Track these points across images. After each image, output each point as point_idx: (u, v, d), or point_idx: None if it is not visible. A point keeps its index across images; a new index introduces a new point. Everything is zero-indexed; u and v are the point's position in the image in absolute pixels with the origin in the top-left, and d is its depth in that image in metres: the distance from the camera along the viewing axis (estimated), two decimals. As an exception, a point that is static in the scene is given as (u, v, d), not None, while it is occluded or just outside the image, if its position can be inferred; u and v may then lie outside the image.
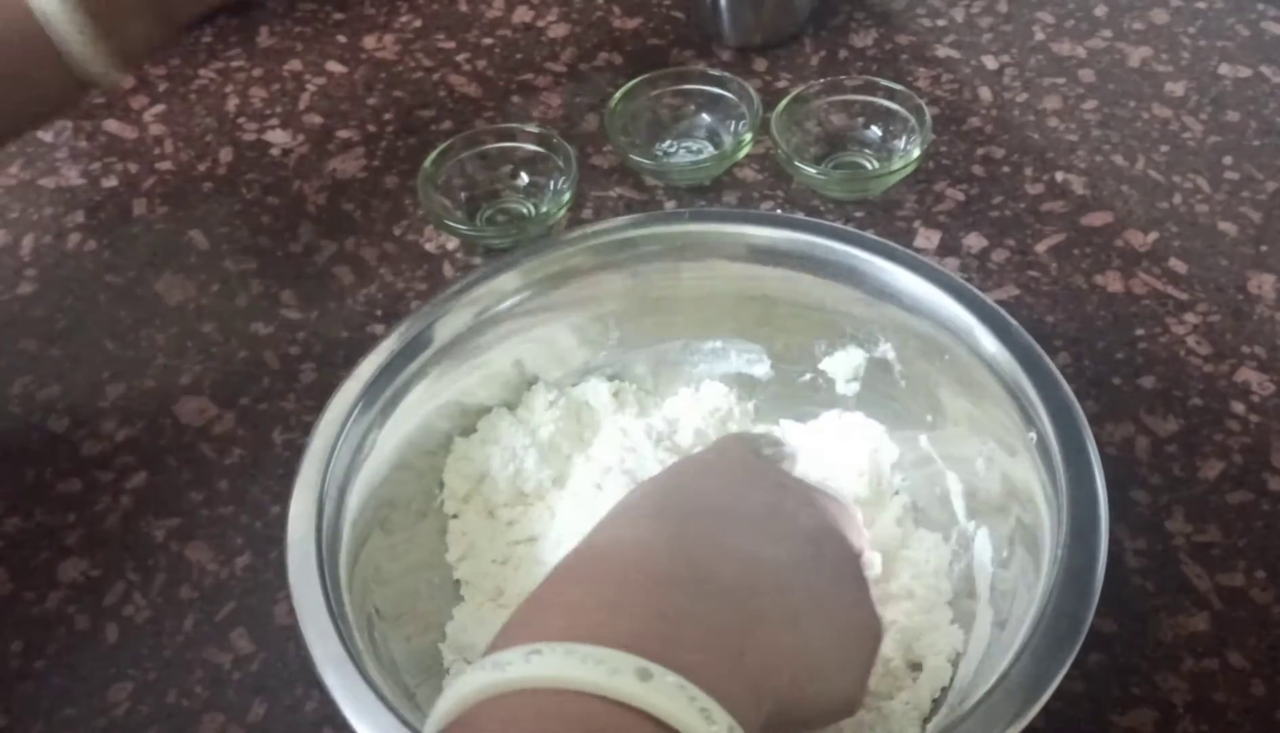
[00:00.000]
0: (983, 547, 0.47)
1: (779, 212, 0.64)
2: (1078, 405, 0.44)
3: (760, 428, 0.54)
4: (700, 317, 0.55)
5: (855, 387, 0.53)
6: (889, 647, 0.45)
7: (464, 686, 0.30)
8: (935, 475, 0.50)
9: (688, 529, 0.37)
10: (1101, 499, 0.41)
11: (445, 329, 0.51)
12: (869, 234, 0.51)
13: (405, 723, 0.38)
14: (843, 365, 0.53)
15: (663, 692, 0.29)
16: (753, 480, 0.42)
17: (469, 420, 0.53)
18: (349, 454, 0.47)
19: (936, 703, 0.44)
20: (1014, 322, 0.47)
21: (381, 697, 0.39)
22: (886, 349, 0.51)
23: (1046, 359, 0.45)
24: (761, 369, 0.55)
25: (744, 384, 0.55)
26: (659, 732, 0.29)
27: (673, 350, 0.56)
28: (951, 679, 0.45)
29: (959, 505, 0.49)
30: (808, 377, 0.54)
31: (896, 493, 0.51)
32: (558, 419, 0.53)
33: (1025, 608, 0.41)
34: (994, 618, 0.44)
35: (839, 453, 0.51)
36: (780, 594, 0.36)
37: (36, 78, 0.53)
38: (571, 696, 0.29)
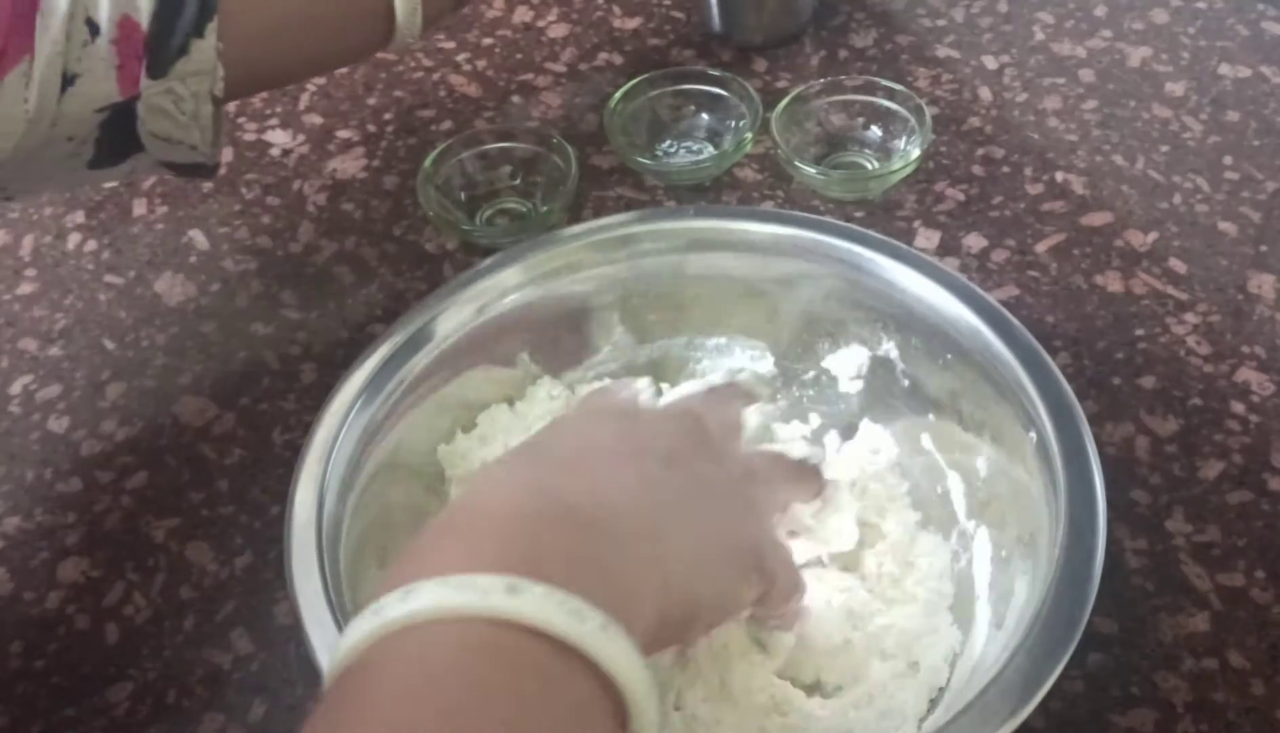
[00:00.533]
0: (982, 547, 0.47)
1: (786, 209, 0.64)
2: (1078, 406, 0.44)
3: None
4: (704, 313, 0.55)
5: (858, 385, 0.53)
6: (890, 646, 0.45)
7: (349, 635, 0.31)
8: (936, 475, 0.50)
9: (543, 468, 0.38)
10: (1100, 501, 0.41)
11: (448, 323, 0.51)
12: (873, 232, 0.51)
13: None
14: (846, 364, 0.53)
15: (533, 601, 0.30)
16: (603, 419, 0.44)
17: (471, 415, 0.53)
18: (351, 447, 0.47)
19: (933, 703, 0.44)
20: (1016, 322, 0.47)
21: None
22: (889, 348, 0.51)
23: (1048, 359, 0.45)
24: (765, 366, 0.55)
25: (748, 382, 0.55)
26: (535, 639, 0.30)
27: (676, 347, 0.56)
28: (949, 680, 0.45)
29: (959, 505, 0.49)
30: (811, 374, 0.54)
31: (903, 495, 0.51)
32: (557, 414, 0.53)
33: (1023, 609, 0.41)
34: (992, 618, 0.44)
35: (844, 455, 0.52)
36: (638, 513, 0.38)
37: (358, 27, 0.58)
38: (451, 624, 0.30)
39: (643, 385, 0.48)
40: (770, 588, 0.42)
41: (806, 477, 0.48)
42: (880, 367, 0.52)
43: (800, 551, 0.47)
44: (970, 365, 0.47)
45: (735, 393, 0.48)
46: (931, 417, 0.51)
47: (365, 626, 0.31)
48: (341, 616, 0.41)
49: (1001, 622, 0.43)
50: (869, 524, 0.49)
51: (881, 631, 0.46)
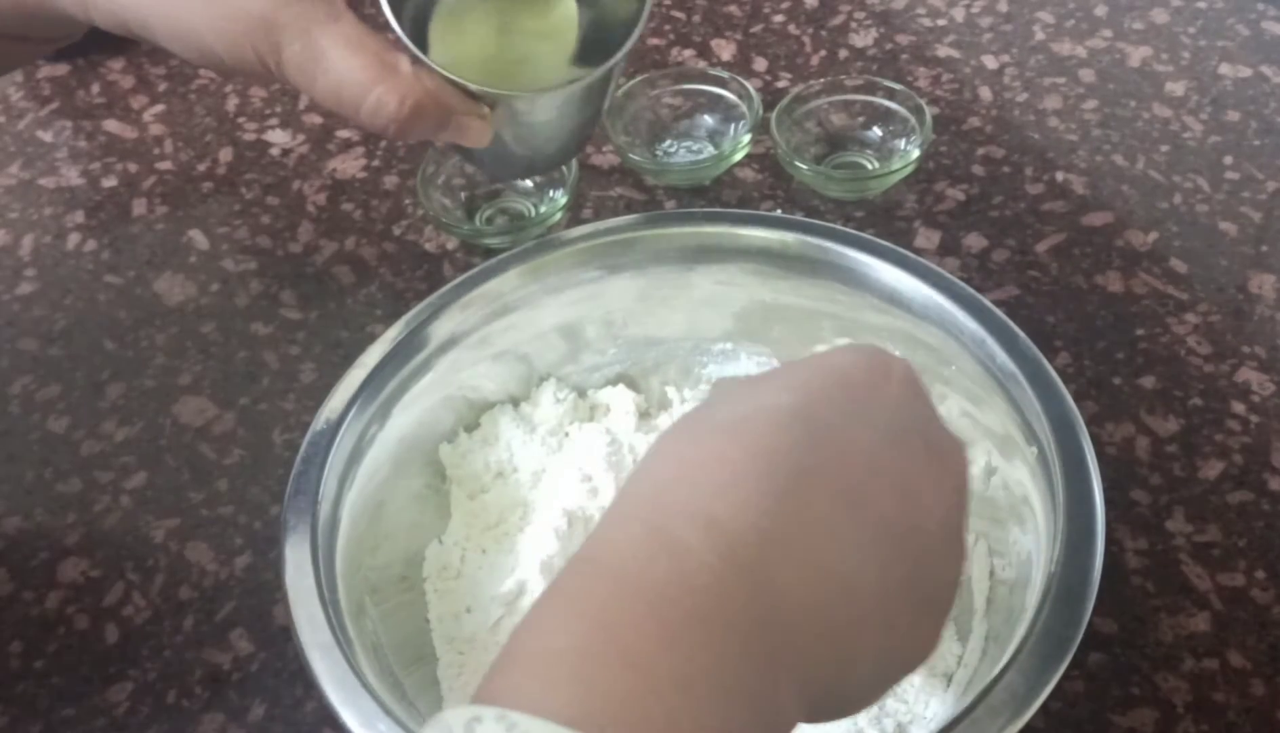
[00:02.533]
0: (980, 559, 0.47)
1: (796, 216, 0.64)
2: (1080, 420, 0.43)
3: None
4: (710, 317, 0.55)
5: None
6: None
7: None
8: None
9: (784, 527, 0.29)
10: (1099, 518, 0.41)
11: (450, 323, 0.51)
12: (879, 239, 0.51)
13: (386, 711, 0.38)
14: None
15: None
16: (904, 448, 0.33)
17: (475, 415, 0.53)
18: (350, 443, 0.47)
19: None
20: (1021, 333, 0.46)
21: (366, 684, 0.39)
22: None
23: (1052, 372, 0.45)
24: None
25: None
26: None
27: (681, 350, 0.56)
28: (947, 691, 0.45)
29: None
30: None
31: None
32: (561, 417, 0.53)
33: (1018, 623, 0.41)
34: (989, 632, 0.44)
35: None
36: (850, 605, 0.30)
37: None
38: None
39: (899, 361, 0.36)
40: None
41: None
42: None
43: None
44: (974, 377, 0.47)
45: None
46: None
47: None
48: (333, 603, 0.41)
49: (998, 636, 0.43)
50: None
51: None
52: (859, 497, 0.31)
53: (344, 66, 0.36)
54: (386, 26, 0.39)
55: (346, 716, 0.38)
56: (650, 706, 0.26)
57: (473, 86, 0.42)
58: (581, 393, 0.55)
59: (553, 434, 0.53)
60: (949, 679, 0.45)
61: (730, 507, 0.29)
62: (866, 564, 0.30)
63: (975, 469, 0.48)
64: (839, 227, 0.52)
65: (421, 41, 0.44)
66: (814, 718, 0.30)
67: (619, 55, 0.45)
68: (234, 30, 0.35)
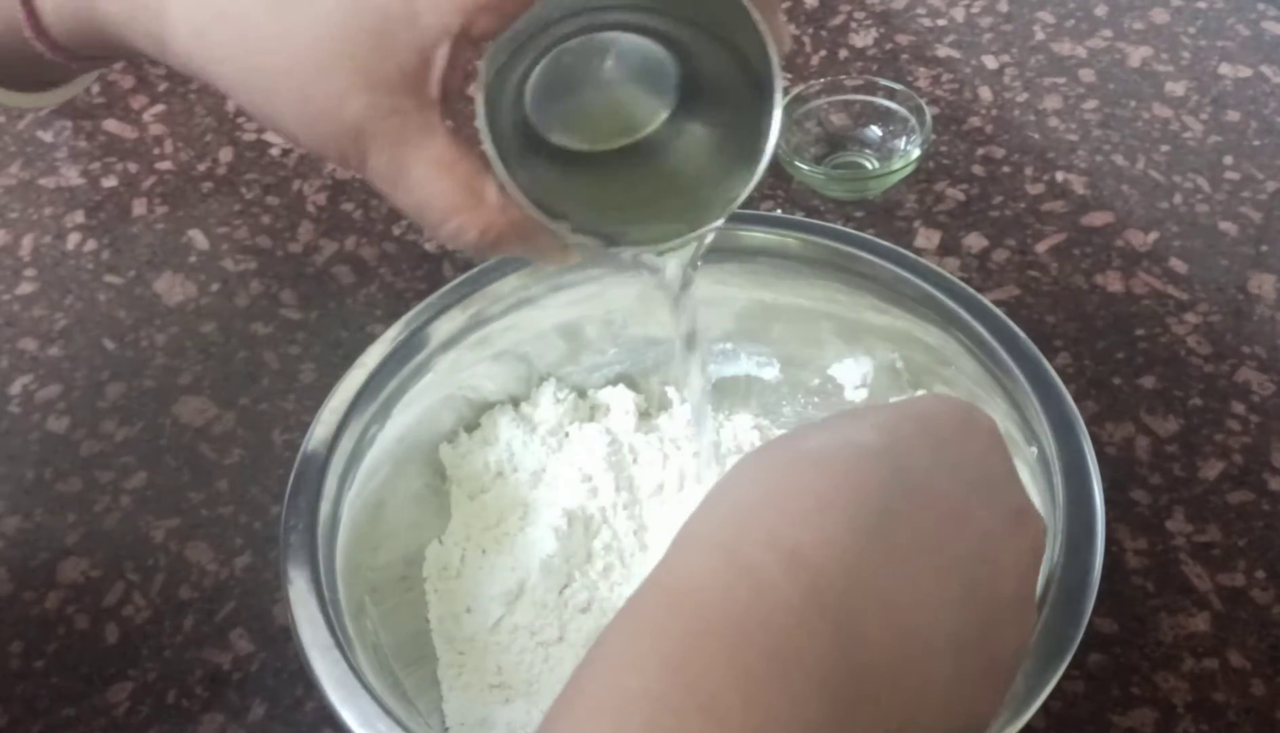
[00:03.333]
0: None
1: (796, 215, 0.64)
2: (1080, 421, 0.43)
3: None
4: (710, 317, 0.55)
5: (864, 393, 0.53)
6: None
7: None
8: None
9: (869, 569, 0.28)
10: (1099, 518, 0.41)
11: (451, 323, 0.51)
12: (880, 239, 0.51)
13: (386, 711, 0.38)
14: (851, 372, 0.53)
15: None
16: (982, 502, 0.32)
17: (475, 414, 0.53)
18: (351, 443, 0.47)
19: None
20: (1021, 334, 0.46)
21: (365, 684, 0.39)
22: (895, 357, 0.51)
23: (1052, 372, 0.45)
24: (771, 372, 0.55)
25: (753, 387, 0.55)
26: None
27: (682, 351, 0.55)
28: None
29: None
30: (816, 381, 0.54)
31: None
32: (561, 417, 0.53)
33: None
34: None
35: None
36: (925, 660, 0.29)
37: None
38: None
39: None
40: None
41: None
42: (885, 376, 0.52)
43: None
44: (974, 377, 0.47)
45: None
46: None
47: None
48: (333, 602, 0.41)
49: None
50: None
51: None
52: (942, 547, 0.30)
53: (429, 190, 0.34)
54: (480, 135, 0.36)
55: (346, 715, 0.38)
56: None
57: (569, 237, 0.37)
58: (581, 393, 0.55)
59: (553, 434, 0.53)
60: None
61: (815, 539, 0.28)
62: (944, 618, 0.29)
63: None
64: (839, 227, 0.52)
65: (523, 119, 0.38)
66: None
67: (744, 191, 0.37)
68: (321, 131, 0.33)
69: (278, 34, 0.31)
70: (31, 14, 0.36)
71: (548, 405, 0.54)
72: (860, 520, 0.29)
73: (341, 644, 0.40)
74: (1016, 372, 0.45)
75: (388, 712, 0.38)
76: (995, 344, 0.46)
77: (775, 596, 0.27)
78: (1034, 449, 0.44)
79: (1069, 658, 0.37)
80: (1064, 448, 0.43)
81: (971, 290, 0.48)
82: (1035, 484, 0.43)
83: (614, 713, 0.26)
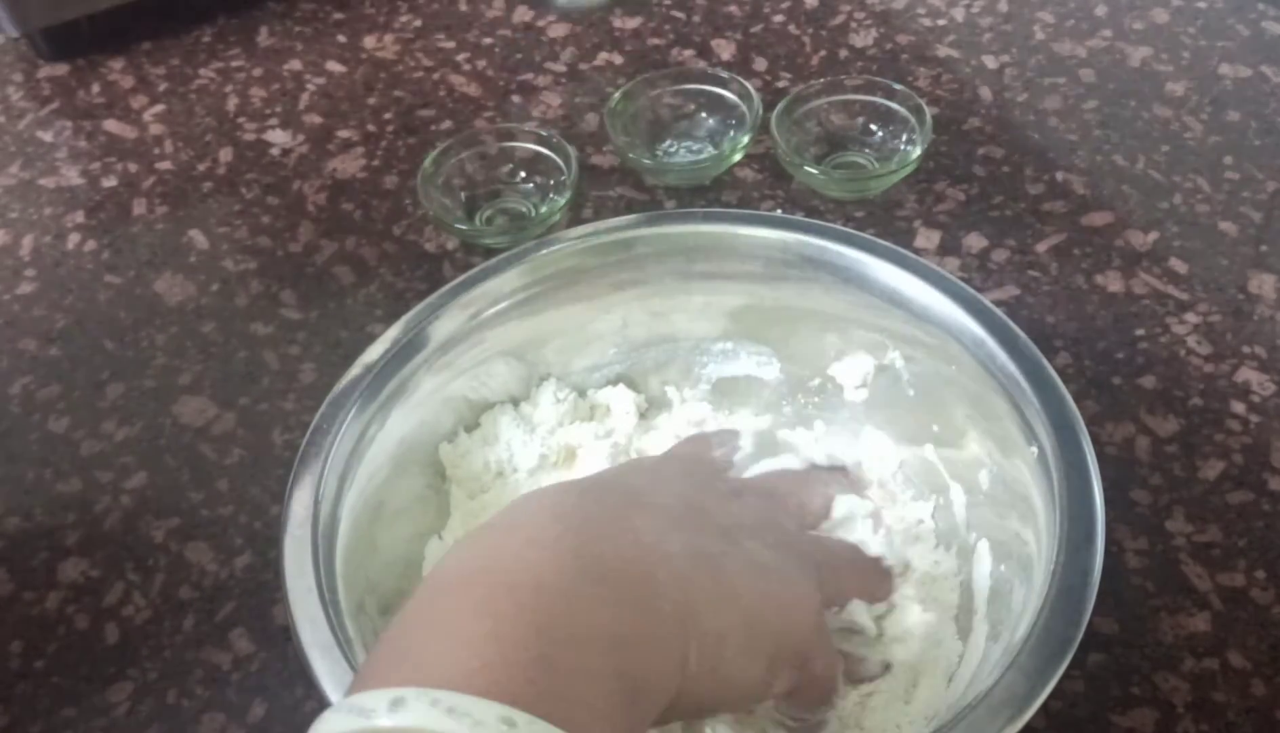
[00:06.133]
0: (982, 559, 0.47)
1: (796, 215, 0.64)
2: (1081, 421, 0.43)
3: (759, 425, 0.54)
4: (710, 317, 0.55)
5: (864, 394, 0.53)
6: (904, 654, 0.45)
7: (324, 728, 0.30)
8: (940, 487, 0.50)
9: (592, 512, 0.36)
10: (1099, 518, 0.41)
11: (451, 323, 0.51)
12: (879, 240, 0.51)
13: None
14: (852, 372, 0.53)
15: None
16: (677, 475, 0.41)
17: (475, 414, 0.53)
18: (350, 443, 0.47)
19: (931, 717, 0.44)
20: (1021, 334, 0.46)
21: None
22: (895, 357, 0.51)
23: (1052, 372, 0.45)
24: (771, 372, 0.55)
25: (753, 387, 0.55)
26: None
27: (682, 350, 0.55)
28: (946, 690, 0.45)
29: (960, 517, 0.49)
30: (816, 381, 0.54)
31: (917, 508, 0.51)
32: (561, 417, 0.53)
33: (1018, 623, 0.41)
34: (989, 632, 0.44)
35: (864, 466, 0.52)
36: (679, 587, 0.36)
37: None
38: None
39: (744, 441, 0.46)
40: (803, 686, 0.40)
41: (878, 577, 0.46)
42: (885, 375, 0.52)
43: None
44: (974, 377, 0.47)
45: (832, 480, 0.46)
46: (935, 427, 0.50)
47: (345, 724, 0.29)
48: (334, 613, 0.41)
49: (999, 636, 0.43)
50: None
51: (890, 641, 0.46)
52: (652, 497, 0.39)
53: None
54: None
55: None
56: (468, 662, 0.30)
57: None
58: (581, 393, 0.55)
59: (550, 435, 0.53)
60: (949, 679, 0.45)
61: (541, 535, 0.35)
62: (659, 537, 0.37)
63: (981, 473, 0.48)
64: (839, 227, 0.52)
65: None
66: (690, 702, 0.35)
67: None
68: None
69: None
70: None
71: (548, 405, 0.54)
72: (560, 508, 0.37)
73: (341, 644, 0.40)
74: (1016, 372, 0.45)
75: None
76: (995, 344, 0.46)
77: (501, 557, 0.34)
78: (1034, 449, 0.44)
79: (1069, 658, 0.37)
80: (1064, 448, 0.43)
81: (972, 290, 0.48)
82: (1035, 484, 0.43)
83: (448, 648, 0.31)
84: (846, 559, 0.45)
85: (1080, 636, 0.38)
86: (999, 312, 0.47)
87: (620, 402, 0.54)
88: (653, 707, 0.34)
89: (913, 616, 0.46)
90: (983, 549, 0.47)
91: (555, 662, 0.31)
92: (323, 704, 0.39)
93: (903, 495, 0.51)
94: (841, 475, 0.47)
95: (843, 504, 0.48)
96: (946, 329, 0.48)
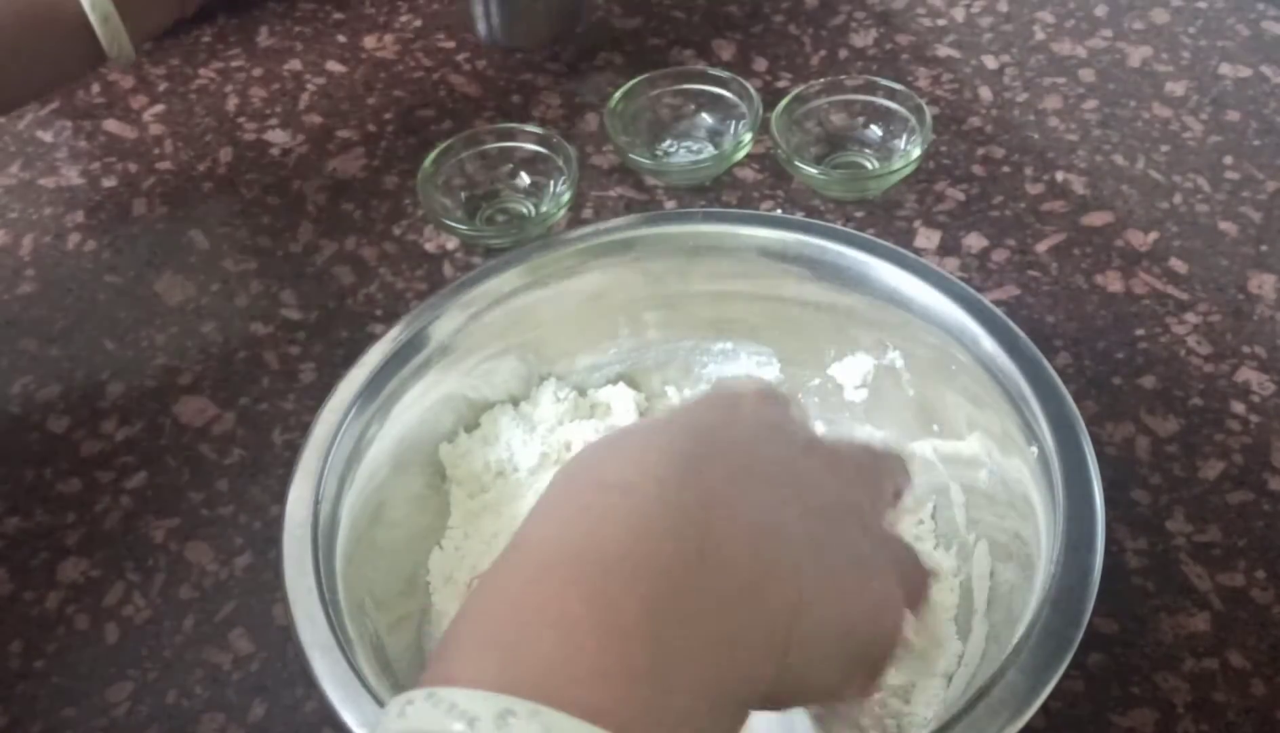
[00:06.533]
0: (981, 559, 0.47)
1: (796, 215, 0.64)
2: (1081, 421, 0.43)
3: None
4: (711, 317, 0.55)
5: (864, 393, 0.53)
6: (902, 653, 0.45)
7: (417, 722, 0.27)
8: (940, 487, 0.50)
9: (698, 486, 0.31)
10: (1099, 519, 0.41)
11: (451, 323, 0.51)
12: (880, 240, 0.51)
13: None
14: (852, 372, 0.53)
15: None
16: (763, 435, 0.36)
17: (475, 414, 0.53)
18: (350, 443, 0.47)
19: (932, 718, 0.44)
20: (1021, 334, 0.46)
21: (366, 684, 0.39)
22: (895, 357, 0.51)
23: (1052, 372, 0.45)
24: (771, 372, 0.55)
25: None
26: None
27: (682, 350, 0.56)
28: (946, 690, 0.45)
29: (960, 517, 0.49)
30: (816, 381, 0.54)
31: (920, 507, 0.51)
32: (561, 416, 0.53)
33: (1018, 623, 0.41)
34: (989, 632, 0.44)
35: None
36: (792, 577, 0.32)
37: (60, 50, 0.59)
38: None
39: (796, 403, 0.40)
40: (871, 689, 0.37)
41: (925, 586, 0.40)
42: (885, 376, 0.52)
43: None
44: (974, 377, 0.47)
45: (897, 470, 0.41)
46: (935, 427, 0.50)
47: (435, 722, 0.26)
48: (334, 613, 0.41)
49: (998, 636, 0.43)
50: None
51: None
52: (746, 475, 0.33)
53: None
54: None
55: (347, 716, 0.38)
56: (575, 660, 0.27)
57: None
58: (582, 392, 0.55)
59: (550, 435, 0.53)
60: (949, 679, 0.45)
61: (634, 480, 0.31)
62: (777, 519, 0.33)
63: (981, 473, 0.48)
64: (839, 226, 0.52)
65: None
66: (772, 694, 0.32)
67: None
68: None
69: None
70: None
71: (548, 405, 0.54)
72: (670, 469, 0.32)
73: (342, 644, 0.40)
74: (1016, 372, 0.45)
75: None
76: (995, 344, 0.46)
77: (606, 525, 0.30)
78: (1034, 449, 0.44)
79: (1069, 658, 0.37)
80: (1064, 448, 0.43)
81: (972, 290, 0.48)
82: (1035, 484, 0.43)
83: (471, 648, 0.28)
84: (913, 562, 0.40)
85: (1080, 635, 0.38)
86: (999, 312, 0.47)
87: (621, 400, 0.54)
88: (745, 710, 0.31)
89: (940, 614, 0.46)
90: (982, 550, 0.47)
91: (668, 680, 0.28)
92: (323, 705, 0.39)
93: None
94: (899, 465, 0.42)
95: (909, 496, 0.45)
96: (946, 329, 0.48)
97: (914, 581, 0.38)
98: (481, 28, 0.74)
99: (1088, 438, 0.43)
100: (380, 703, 0.38)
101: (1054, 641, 0.38)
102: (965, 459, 0.49)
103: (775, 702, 0.33)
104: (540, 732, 0.25)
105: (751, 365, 0.55)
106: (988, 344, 0.47)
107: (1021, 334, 0.46)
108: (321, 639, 0.40)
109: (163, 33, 0.64)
